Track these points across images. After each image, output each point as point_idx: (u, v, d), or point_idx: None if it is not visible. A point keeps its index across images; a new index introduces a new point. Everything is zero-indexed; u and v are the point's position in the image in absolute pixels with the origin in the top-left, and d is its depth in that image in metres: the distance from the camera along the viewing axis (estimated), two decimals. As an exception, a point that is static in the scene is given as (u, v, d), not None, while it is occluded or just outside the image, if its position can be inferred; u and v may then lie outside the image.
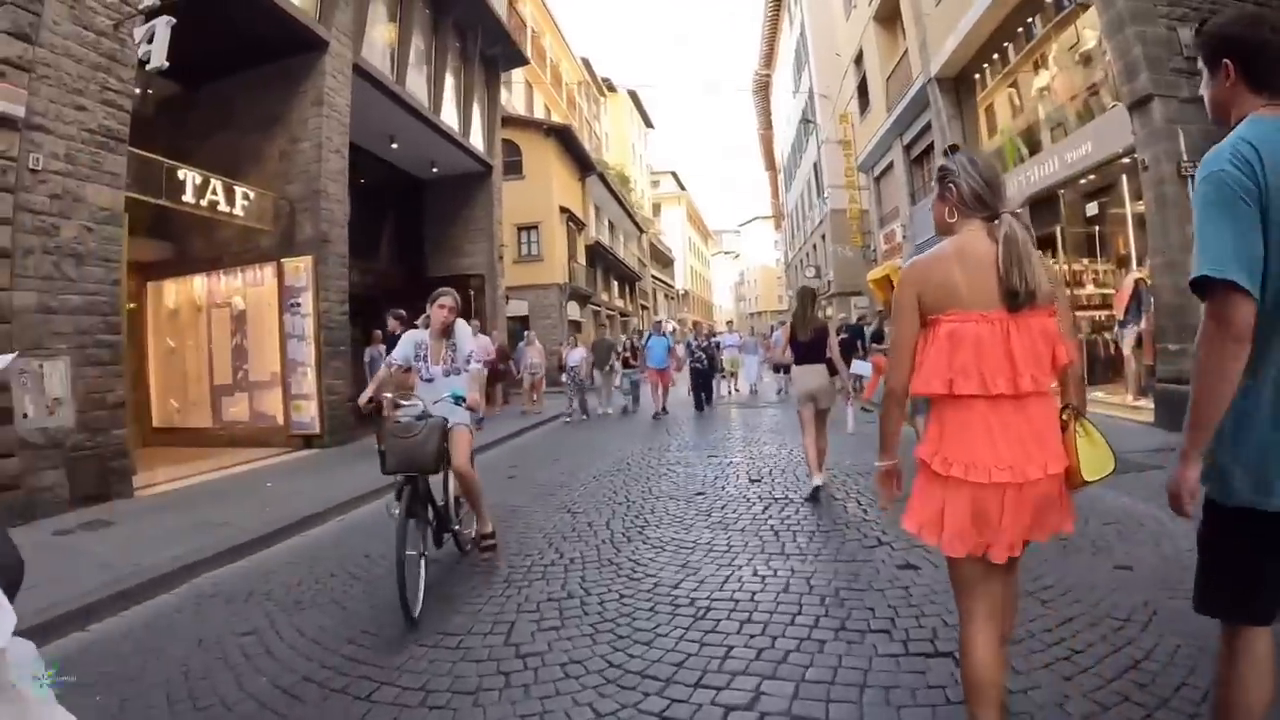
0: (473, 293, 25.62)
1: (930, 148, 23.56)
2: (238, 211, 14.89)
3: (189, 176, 13.79)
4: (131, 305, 16.73)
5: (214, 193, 14.31)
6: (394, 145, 22.19)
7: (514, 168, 35.59)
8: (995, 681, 2.91)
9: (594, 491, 10.06)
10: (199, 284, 16.91)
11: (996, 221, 2.91)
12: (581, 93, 57.87)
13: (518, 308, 33.70)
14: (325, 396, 15.47)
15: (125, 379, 11.31)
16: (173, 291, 17.35)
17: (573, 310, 39.20)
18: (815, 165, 43.35)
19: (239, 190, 14.93)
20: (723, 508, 8.64)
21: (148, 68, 10.78)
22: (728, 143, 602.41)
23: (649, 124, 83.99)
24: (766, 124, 71.31)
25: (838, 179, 36.74)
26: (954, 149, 3.98)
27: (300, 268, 15.69)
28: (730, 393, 26.65)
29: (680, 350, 23.96)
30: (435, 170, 25.36)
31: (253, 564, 7.53)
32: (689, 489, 9.85)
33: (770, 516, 8.10)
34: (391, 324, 14.62)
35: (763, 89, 66.43)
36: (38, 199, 9.57)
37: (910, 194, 26.36)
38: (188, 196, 13.74)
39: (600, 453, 13.63)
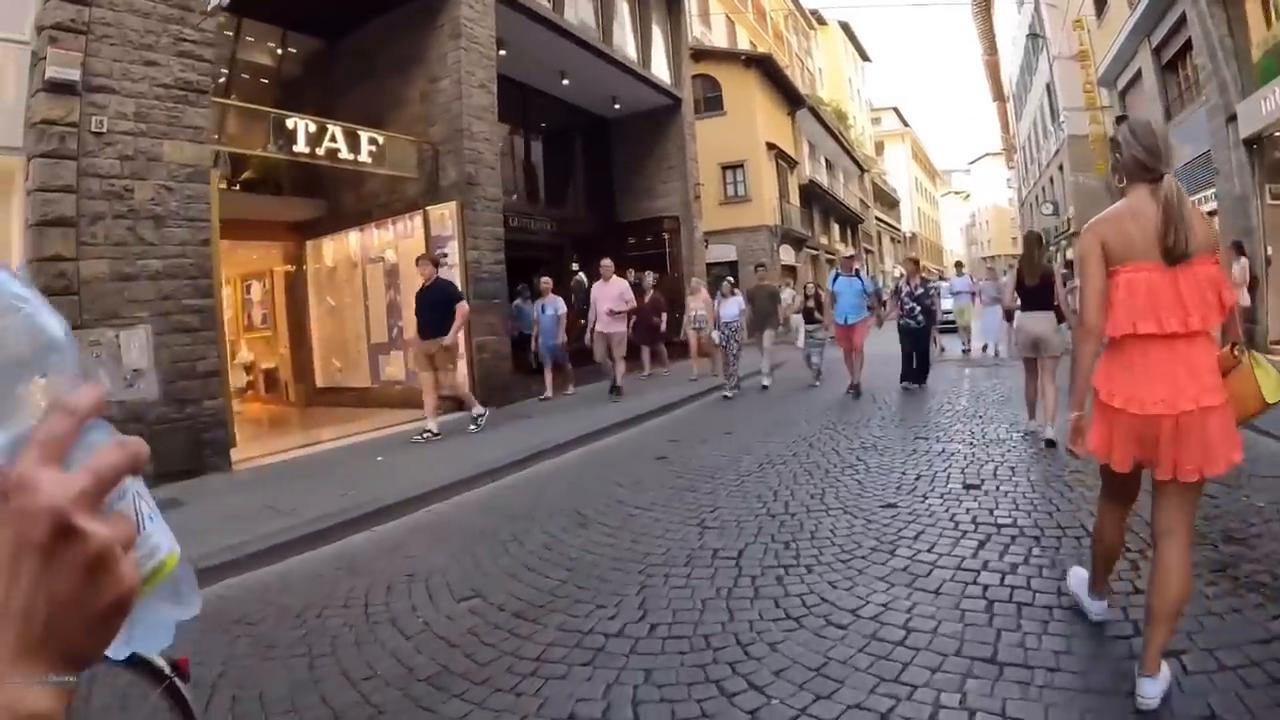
0: (667, 235, 24.01)
1: (1188, 45, 19.78)
2: (363, 158, 13.77)
3: (300, 125, 12.72)
4: (290, 266, 17.63)
5: (332, 140, 13.16)
6: (565, 81, 20.49)
7: (714, 104, 33.89)
8: (1114, 555, 3.99)
9: (745, 492, 7.66)
10: (353, 239, 16.33)
11: (1159, 184, 3.35)
12: (789, 26, 55.23)
13: (723, 252, 31.68)
14: (476, 355, 14.22)
15: (220, 345, 10.66)
16: (329, 249, 17.04)
17: (786, 254, 36.84)
18: (1047, 87, 39.16)
19: (364, 136, 13.74)
20: (915, 539, 5.72)
21: (209, 7, 10.20)
22: (951, 74, 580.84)
23: (865, 57, 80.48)
24: (991, 48, 65.78)
25: (1074, 100, 32.60)
26: (1121, 119, 3.80)
27: (445, 215, 14.50)
28: (961, 351, 21.34)
29: (888, 301, 16.66)
30: (618, 107, 23.47)
31: (274, 575, 6.24)
32: (874, 497, 7.04)
33: (988, 563, 5.09)
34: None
35: (983, 8, 61.33)
36: (105, 162, 9.09)
37: (1165, 108, 22.23)
38: (300, 146, 12.75)
39: (771, 431, 11.06)
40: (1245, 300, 14.28)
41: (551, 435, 10.90)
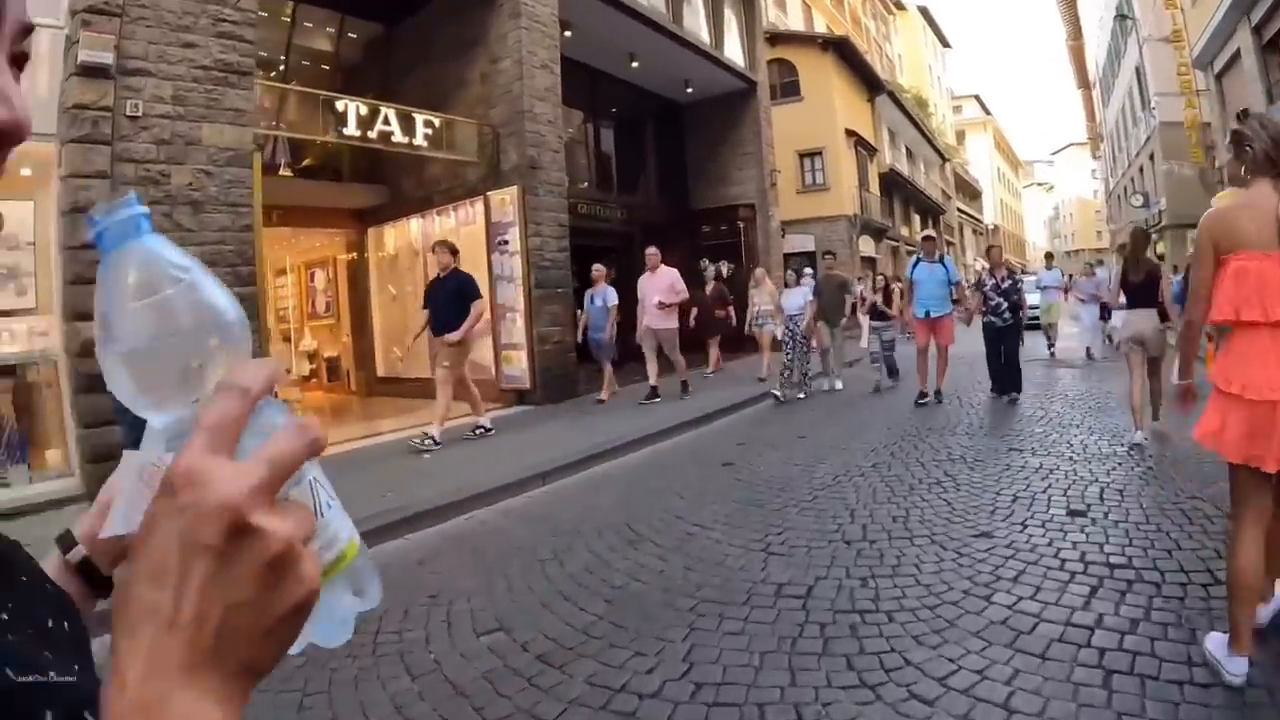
0: (742, 224, 23.12)
1: None
2: (419, 141, 13.14)
3: (351, 108, 12.15)
4: (352, 254, 17.50)
5: (385, 123, 12.58)
6: (635, 64, 19.68)
7: (790, 89, 32.93)
8: (1254, 585, 3.48)
9: (818, 510, 6.80)
10: (415, 226, 15.98)
11: None
12: (866, 11, 54.03)
13: (801, 242, 30.46)
14: (537, 346, 13.60)
15: (262, 334, 10.49)
16: (391, 236, 16.88)
17: (865, 245, 35.77)
18: (1137, 70, 37.04)
19: (419, 118, 13.14)
20: (1015, 580, 4.86)
21: None
22: (1033, 61, 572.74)
23: (945, 43, 79.32)
24: (1075, 33, 63.59)
25: (1167, 84, 30.83)
26: (1244, 114, 3.86)
27: (506, 200, 13.88)
28: (1048, 353, 18.70)
29: (970, 294, 14.48)
30: (690, 91, 22.66)
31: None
32: (966, 523, 6.13)
33: (1102, 617, 4.21)
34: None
35: None
36: (140, 146, 8.81)
37: (1266, 91, 20.80)
38: (350, 129, 12.16)
39: (848, 437, 10.10)
40: None
41: (610, 435, 10.25)
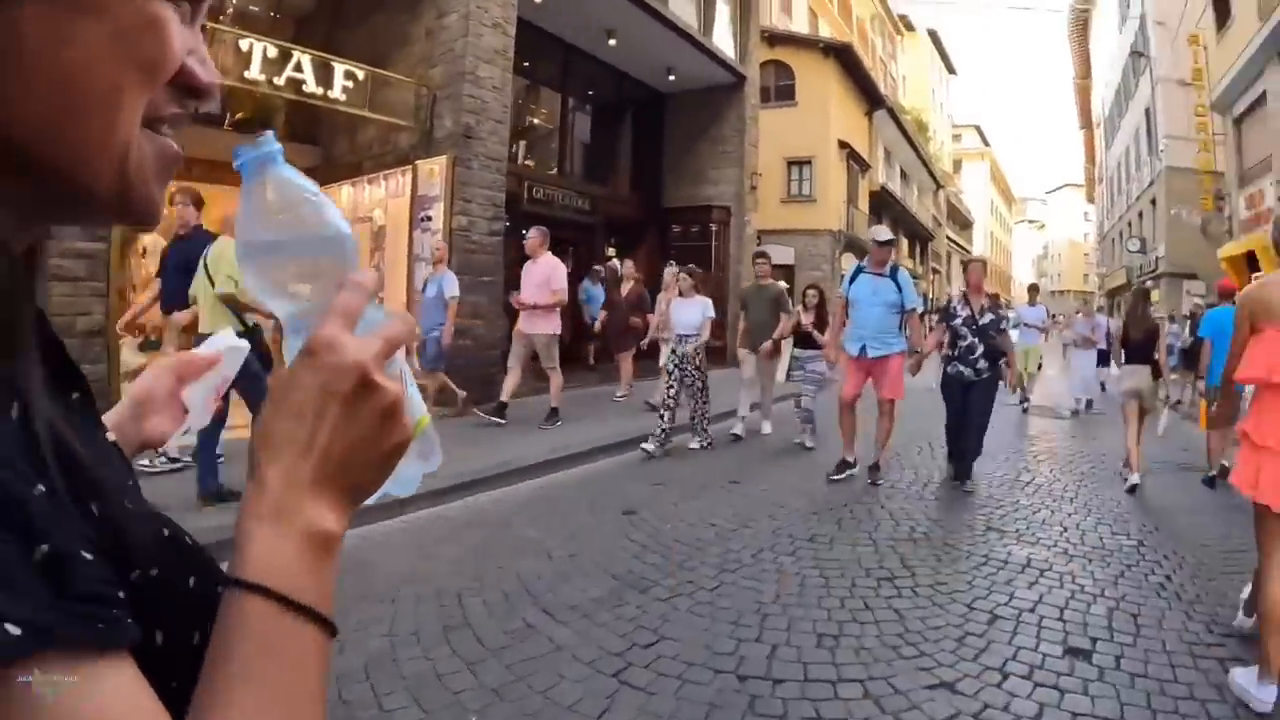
0: (714, 227, 21.30)
1: None
2: (335, 94, 11.40)
3: (258, 48, 10.45)
4: None
5: (296, 68, 10.83)
6: (612, 42, 17.93)
7: (785, 93, 31.39)
8: None
9: (719, 608, 5.01)
10: (345, 194, 14.04)
11: None
12: (875, 27, 52.64)
13: (781, 254, 28.18)
14: (455, 341, 11.35)
15: (110, 299, 8.74)
16: None
17: (849, 263, 33.63)
18: (1146, 111, 36.14)
19: (339, 68, 11.42)
20: None
21: None
22: (1037, 97, 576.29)
23: (951, 70, 77.84)
24: (1084, 71, 63.02)
25: (1177, 127, 30.06)
26: None
27: (435, 171, 12.14)
28: (1021, 406, 15.69)
29: (928, 328, 12.69)
30: (672, 78, 20.78)
31: None
32: (918, 662, 4.36)
33: None
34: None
35: (1080, 28, 58.97)
36: None
37: None
38: (254, 73, 10.44)
39: (795, 493, 8.17)
40: None
41: (500, 459, 8.54)
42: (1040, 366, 17.64)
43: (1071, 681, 4.13)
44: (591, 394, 13.57)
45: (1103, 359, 16.23)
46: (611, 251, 20.61)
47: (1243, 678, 3.92)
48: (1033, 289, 18.30)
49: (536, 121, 19.50)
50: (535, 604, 4.99)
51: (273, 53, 10.56)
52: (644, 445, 9.83)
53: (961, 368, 8.86)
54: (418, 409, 0.78)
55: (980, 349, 8.77)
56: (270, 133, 0.75)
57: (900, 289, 8.88)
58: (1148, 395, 9.48)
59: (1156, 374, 9.68)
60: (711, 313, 10.42)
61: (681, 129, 22.20)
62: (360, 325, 0.70)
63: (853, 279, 9.13)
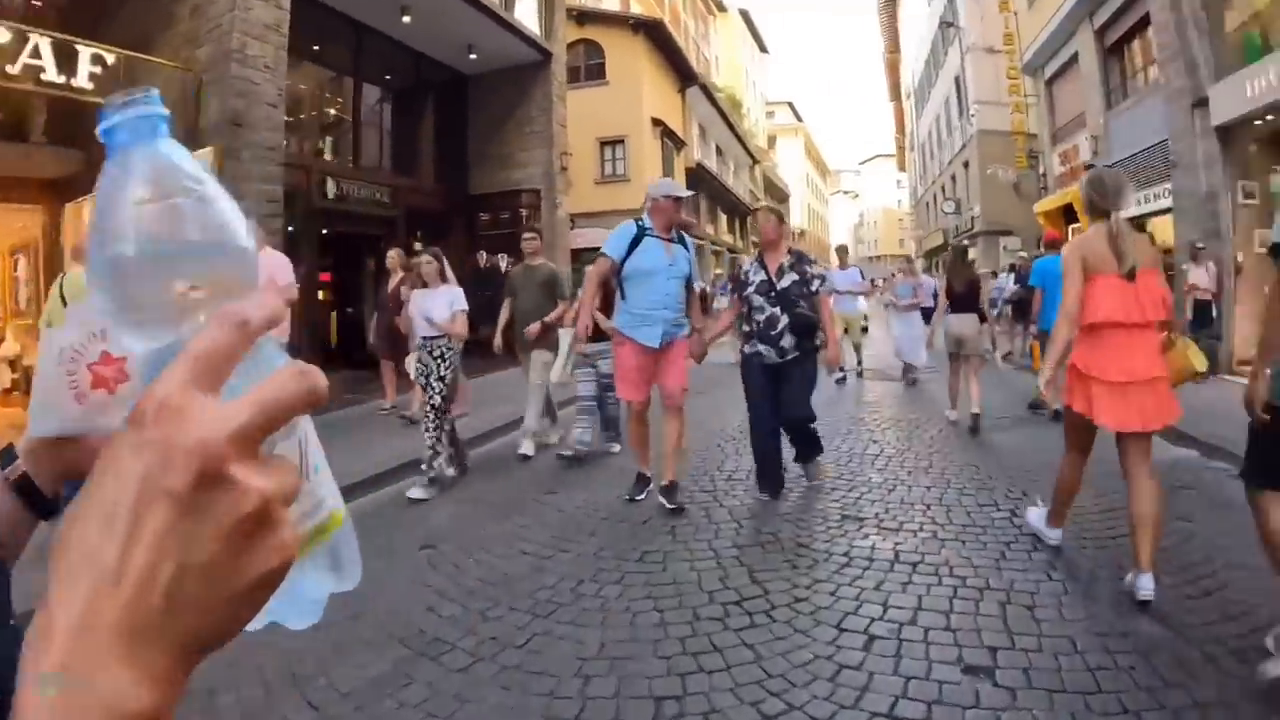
0: (525, 213, 19.97)
1: (1142, 24, 17.42)
2: (81, 82, 9.89)
3: None
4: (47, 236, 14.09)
5: (34, 54, 9.33)
6: (406, 19, 16.50)
7: (596, 71, 30.78)
8: (1073, 490, 5.24)
9: (526, 674, 4.02)
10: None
11: (1108, 220, 4.84)
12: (686, 8, 52.31)
13: (596, 237, 27.46)
14: None
15: None
16: (91, 214, 12.94)
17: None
18: (957, 80, 37.78)
19: (84, 51, 9.92)
20: None
21: None
22: (847, 74, 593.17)
23: (763, 49, 78.72)
24: (894, 46, 65.82)
25: (988, 93, 31.85)
26: (1088, 167, 7.04)
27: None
28: (836, 378, 13.89)
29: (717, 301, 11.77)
30: (474, 57, 19.35)
31: None
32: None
33: None
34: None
35: (890, 3, 61.17)
36: None
37: (1105, 96, 20.02)
38: None
39: (623, 503, 7.09)
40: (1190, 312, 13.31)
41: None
42: (865, 330, 16.63)
43: (982, 716, 3.40)
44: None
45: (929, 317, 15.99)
46: (418, 246, 19.33)
47: (1034, 517, 5.63)
48: (841, 250, 16.96)
49: (328, 110, 17.95)
50: (301, 694, 3.89)
51: (6, 36, 9.11)
52: (410, 493, 7.50)
53: (762, 347, 6.89)
54: (327, 504, 0.58)
55: (784, 320, 6.81)
56: (153, 90, 0.55)
57: (689, 255, 7.13)
58: (972, 341, 10.20)
59: (983, 320, 10.49)
60: (463, 304, 7.96)
61: (487, 112, 20.89)
62: (239, 378, 0.48)
63: (633, 244, 6.87)
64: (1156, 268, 4.87)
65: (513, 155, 20.44)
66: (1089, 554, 5.39)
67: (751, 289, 7.01)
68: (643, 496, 7.10)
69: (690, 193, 7.49)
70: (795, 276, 6.89)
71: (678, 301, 6.97)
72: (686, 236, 7.25)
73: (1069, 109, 23.66)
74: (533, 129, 20.38)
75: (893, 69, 69.25)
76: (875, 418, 10.95)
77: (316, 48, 15.48)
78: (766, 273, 6.97)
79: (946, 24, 37.08)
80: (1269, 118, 12.89)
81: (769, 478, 7.05)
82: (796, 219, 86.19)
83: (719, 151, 48.20)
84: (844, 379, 14.68)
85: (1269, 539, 3.79)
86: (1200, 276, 12.74)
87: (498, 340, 9.65)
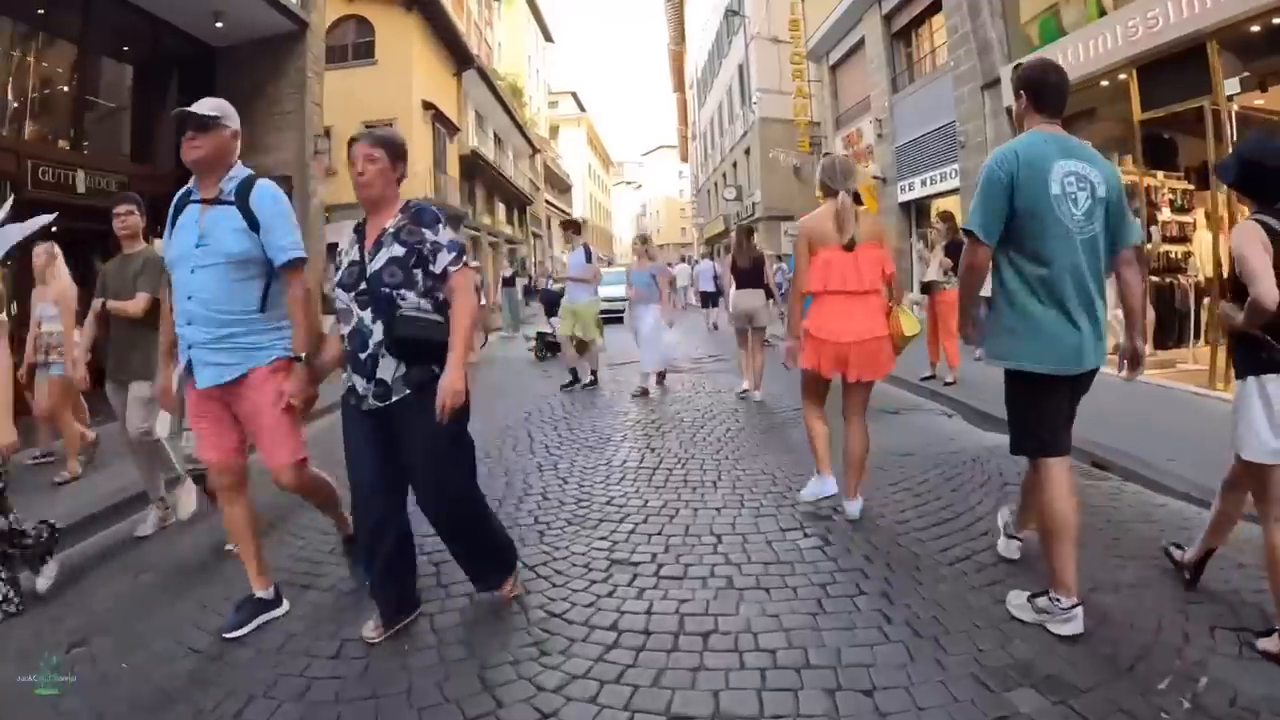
0: None
1: (932, 8, 17.43)
2: None
3: None
4: None
5: None
6: (132, -23, 14.21)
7: (364, 50, 29.06)
8: (824, 438, 5.62)
9: None
10: None
11: (836, 198, 5.40)
12: (471, -10, 50.18)
13: None
14: None
15: None
16: None
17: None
18: (740, 68, 38.12)
19: None
20: None
21: None
22: (633, 67, 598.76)
23: (548, 38, 78.03)
24: (679, 38, 66.61)
25: (771, 81, 32.36)
26: (827, 154, 6.76)
27: None
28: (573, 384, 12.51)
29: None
30: (220, 25, 17.20)
31: None
32: None
33: None
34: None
35: None
36: None
37: (891, 80, 20.05)
38: None
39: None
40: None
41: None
42: (601, 329, 12.93)
43: None
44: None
45: (713, 300, 20.01)
46: (158, 244, 17.11)
47: (810, 486, 5.76)
48: (567, 225, 16.48)
49: (46, 85, 15.39)
50: None
51: None
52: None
53: (357, 380, 3.86)
54: None
55: (375, 335, 3.77)
56: None
57: (262, 223, 4.03)
58: (760, 314, 10.71)
59: (769, 296, 11.24)
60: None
61: (237, 90, 17.77)
62: None
63: (172, 222, 4.14)
64: (878, 241, 5.56)
65: (262, 139, 18.05)
66: (926, 596, 4.22)
67: (337, 278, 3.98)
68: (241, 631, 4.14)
69: (215, 114, 4.00)
70: (398, 250, 3.85)
71: (224, 301, 4.03)
72: (262, 185, 4.16)
73: (853, 94, 23.64)
74: (284, 109, 18.39)
75: (677, 60, 70.37)
76: (653, 418, 9.74)
77: (41, 11, 13.65)
78: (361, 249, 3.95)
79: (732, 13, 37.14)
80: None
81: (387, 595, 4.07)
82: (579, 209, 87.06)
83: (498, 140, 47.15)
84: (573, 384, 12.53)
85: (1050, 511, 3.88)
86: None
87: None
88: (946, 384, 10.29)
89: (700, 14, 52.21)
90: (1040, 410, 3.91)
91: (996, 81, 13.55)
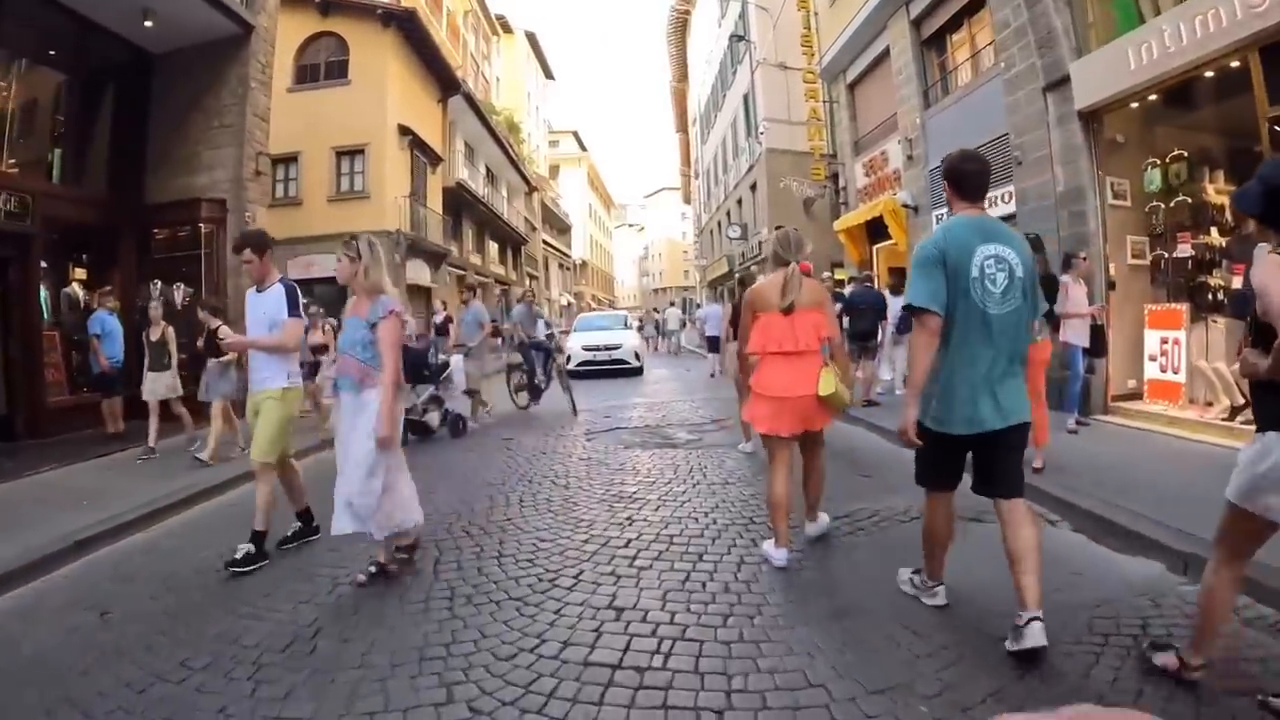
0: (205, 228, 15.52)
1: (971, 6, 15.05)
2: None
3: None
4: None
5: None
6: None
7: (337, 70, 26.93)
8: (785, 504, 5.69)
9: None
10: None
11: (786, 268, 5.79)
12: (468, 24, 49.28)
13: (330, 265, 23.04)
14: None
15: None
16: None
17: (418, 271, 28.82)
18: (746, 98, 36.05)
19: None
20: None
21: None
22: (633, 108, 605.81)
23: (549, 75, 77.19)
24: (681, 74, 65.03)
25: (778, 110, 30.88)
26: (779, 228, 6.49)
27: None
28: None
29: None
30: (150, 25, 14.83)
31: None
32: None
33: None
34: None
35: (679, 30, 59.47)
36: None
37: (923, 93, 17.33)
38: None
39: None
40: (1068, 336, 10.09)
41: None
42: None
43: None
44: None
45: (714, 345, 20.87)
46: (81, 274, 14.92)
47: (767, 546, 5.88)
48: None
49: None
50: None
51: None
52: None
53: None
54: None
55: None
56: None
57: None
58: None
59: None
60: None
61: (173, 101, 16.35)
62: None
63: None
64: (819, 306, 5.84)
65: (198, 155, 16.04)
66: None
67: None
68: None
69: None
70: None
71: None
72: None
73: (876, 114, 21.02)
74: (224, 122, 16.08)
75: (679, 98, 69.23)
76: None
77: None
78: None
79: (737, 38, 35.41)
80: (1151, 97, 10.45)
81: None
82: (579, 250, 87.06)
83: (491, 175, 45.51)
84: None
85: (930, 526, 4.74)
86: (1081, 296, 9.43)
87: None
88: (1034, 470, 7.56)
89: (704, 46, 50.61)
90: (934, 458, 4.60)
91: (1064, 80, 11.10)
